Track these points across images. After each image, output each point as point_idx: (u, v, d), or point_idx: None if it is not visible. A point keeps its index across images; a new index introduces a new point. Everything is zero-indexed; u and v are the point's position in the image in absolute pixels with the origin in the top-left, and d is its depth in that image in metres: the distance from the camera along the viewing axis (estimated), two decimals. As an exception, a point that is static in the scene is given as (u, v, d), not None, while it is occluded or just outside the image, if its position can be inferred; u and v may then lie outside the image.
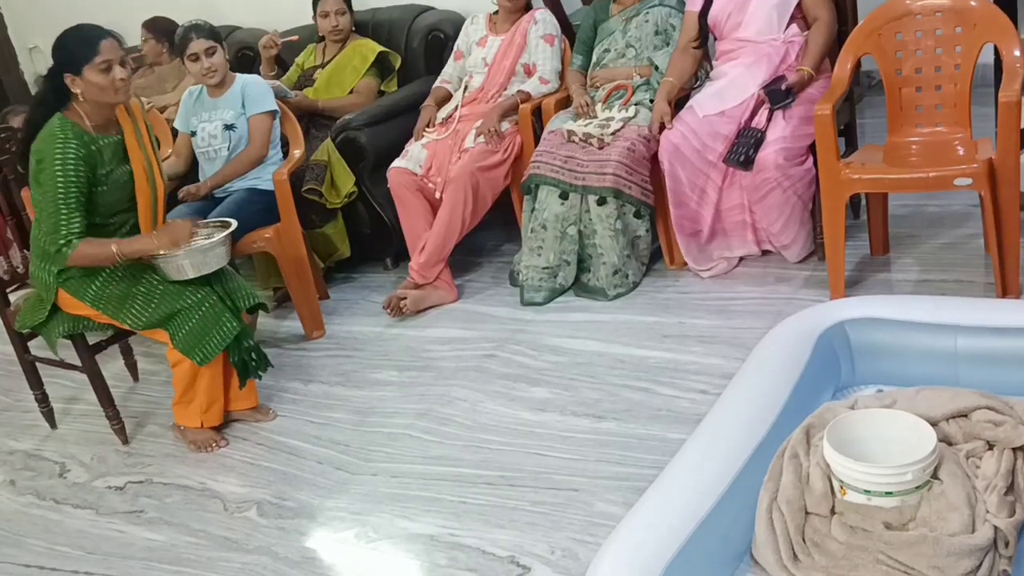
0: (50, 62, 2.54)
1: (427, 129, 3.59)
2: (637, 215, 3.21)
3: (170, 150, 3.56)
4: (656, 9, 3.36)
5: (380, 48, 3.87)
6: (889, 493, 1.57)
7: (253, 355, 2.69)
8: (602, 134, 3.19)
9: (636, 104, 3.30)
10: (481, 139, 3.41)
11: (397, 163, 3.50)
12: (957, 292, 2.77)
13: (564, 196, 3.21)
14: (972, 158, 2.62)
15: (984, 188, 2.50)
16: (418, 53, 4.03)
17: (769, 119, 2.98)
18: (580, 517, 2.11)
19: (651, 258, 3.36)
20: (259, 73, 3.85)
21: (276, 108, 3.36)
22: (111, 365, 3.25)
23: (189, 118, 3.39)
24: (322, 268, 3.70)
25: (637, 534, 1.58)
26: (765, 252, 3.24)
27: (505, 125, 3.46)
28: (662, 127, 3.11)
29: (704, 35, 3.21)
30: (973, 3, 2.71)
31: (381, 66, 3.91)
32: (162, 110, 3.99)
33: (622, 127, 3.22)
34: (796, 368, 2.01)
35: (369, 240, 3.79)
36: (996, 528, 1.53)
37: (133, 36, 4.43)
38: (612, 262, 3.18)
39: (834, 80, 2.86)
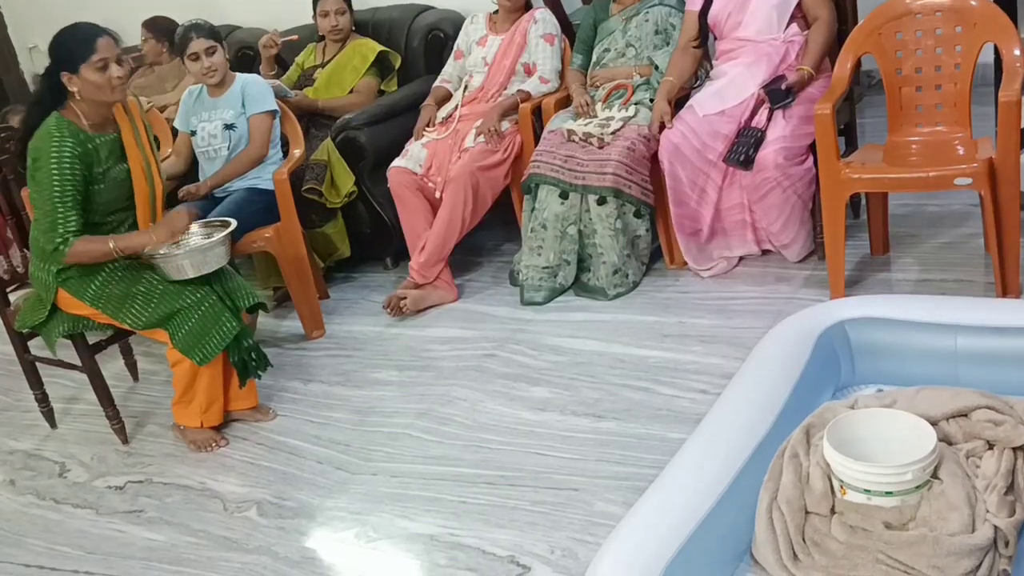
0: (49, 62, 2.54)
1: (427, 128, 3.59)
2: (637, 214, 3.21)
3: (170, 149, 3.56)
4: (656, 8, 3.36)
5: (380, 47, 3.87)
6: (889, 493, 1.57)
7: (253, 355, 2.69)
8: (602, 133, 3.19)
9: (636, 103, 3.30)
10: (481, 139, 3.41)
11: (397, 162, 3.50)
12: (957, 292, 2.77)
13: (564, 195, 3.21)
14: (972, 157, 2.62)
15: (984, 187, 2.50)
16: (418, 52, 4.03)
17: (769, 118, 2.98)
18: (580, 517, 2.11)
19: (651, 258, 3.36)
20: (259, 72, 3.85)
21: (276, 108, 3.36)
22: (111, 365, 3.25)
23: (189, 117, 3.39)
24: (322, 268, 3.70)
25: (637, 534, 1.58)
26: (765, 252, 3.24)
27: (505, 124, 3.46)
28: (662, 126, 3.11)
29: (704, 34, 3.21)
30: (973, 2, 2.71)
31: (381, 65, 3.91)
32: (162, 109, 3.99)
33: (622, 126, 3.22)
34: (796, 368, 2.01)
35: (369, 240, 3.79)
36: (996, 528, 1.52)
37: (133, 36, 4.42)
38: (612, 261, 3.18)
39: (834, 79, 2.86)
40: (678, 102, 3.24)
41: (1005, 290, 2.63)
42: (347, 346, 3.24)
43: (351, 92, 3.84)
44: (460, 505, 2.24)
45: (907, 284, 2.90)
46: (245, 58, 4.40)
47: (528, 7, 3.63)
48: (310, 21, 4.04)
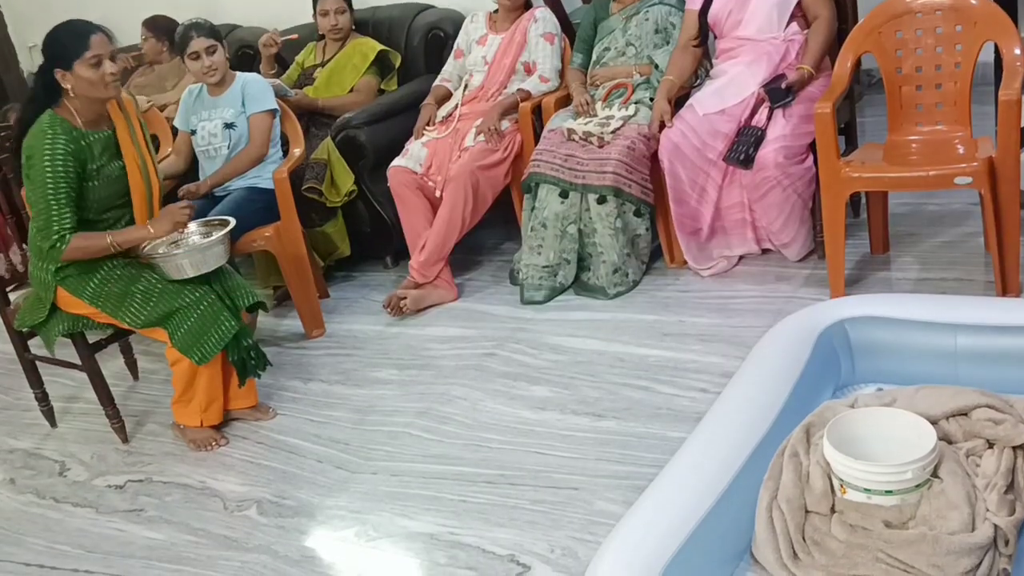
0: (43, 59, 2.54)
1: (427, 127, 3.59)
2: (637, 213, 3.21)
3: (170, 149, 3.56)
4: (656, 7, 3.35)
5: (380, 46, 3.87)
6: (889, 492, 1.57)
7: (252, 354, 2.69)
8: (602, 132, 3.19)
9: (636, 103, 3.30)
10: (481, 138, 3.41)
11: (397, 162, 3.50)
12: (957, 290, 2.77)
13: (564, 195, 3.21)
14: (972, 156, 2.62)
15: (984, 186, 2.50)
16: (418, 51, 4.03)
17: (769, 117, 2.98)
18: (580, 516, 2.11)
19: (651, 256, 3.36)
20: (259, 71, 3.85)
21: (276, 107, 3.36)
22: (111, 364, 3.25)
23: (189, 116, 3.39)
24: (322, 267, 3.70)
25: (637, 533, 1.58)
26: (765, 251, 3.24)
27: (505, 124, 3.46)
28: (662, 125, 3.11)
29: (704, 33, 3.21)
30: (973, 1, 2.71)
31: (381, 64, 3.91)
32: (162, 108, 3.99)
33: (622, 125, 3.22)
34: (796, 367, 2.01)
35: (369, 239, 3.79)
36: (996, 526, 1.52)
37: (133, 35, 4.42)
38: (612, 260, 3.18)
39: (834, 78, 2.86)
40: (678, 101, 3.24)
41: (1005, 289, 2.63)
42: (347, 345, 3.24)
43: (351, 91, 3.84)
44: (460, 504, 2.24)
45: (907, 283, 2.89)
46: (245, 57, 4.40)
47: (528, 6, 3.63)
48: (310, 20, 4.04)
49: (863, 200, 3.27)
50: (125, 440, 2.85)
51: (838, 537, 1.58)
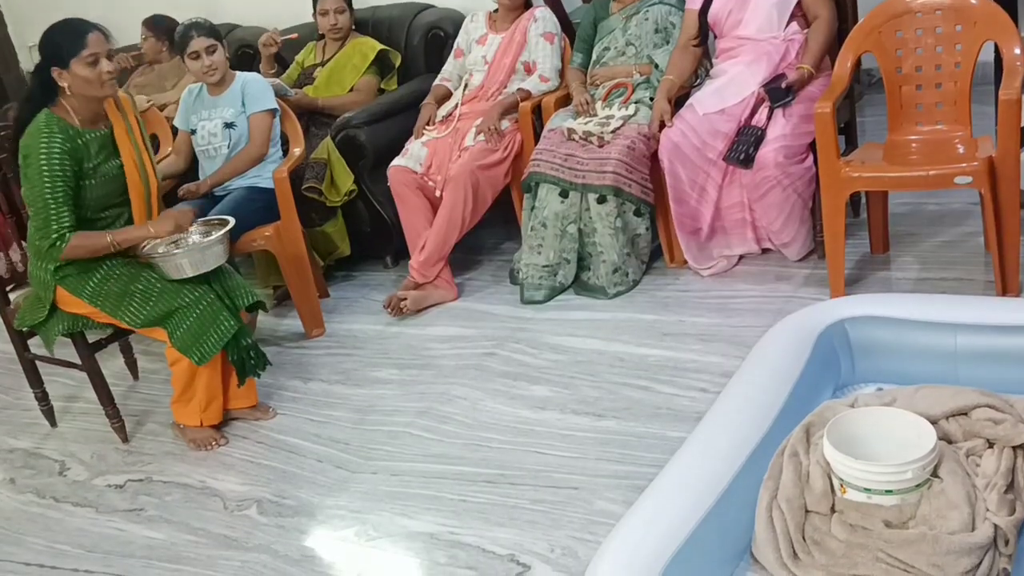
0: (39, 58, 2.54)
1: (427, 127, 3.59)
2: (637, 213, 3.21)
3: (170, 148, 3.56)
4: (656, 7, 3.35)
5: (380, 46, 3.87)
6: (889, 491, 1.57)
7: (251, 354, 2.69)
8: (602, 132, 3.19)
9: (636, 102, 3.30)
10: (481, 137, 3.41)
11: (397, 161, 3.50)
12: (957, 290, 2.77)
13: (564, 194, 3.21)
14: (972, 156, 2.62)
15: (984, 186, 2.50)
16: (418, 51, 4.03)
17: (769, 117, 2.98)
18: (580, 515, 2.11)
19: (651, 256, 3.36)
20: (259, 71, 3.85)
21: (276, 106, 3.36)
22: (111, 363, 3.25)
23: (189, 116, 3.39)
24: (322, 266, 3.70)
25: (637, 532, 1.58)
26: (765, 250, 3.24)
27: (505, 123, 3.46)
28: (662, 125, 3.11)
29: (704, 33, 3.21)
30: (973, 1, 2.71)
31: (381, 64, 3.91)
32: (162, 108, 3.99)
33: (622, 125, 3.21)
34: (796, 366, 2.01)
35: (369, 238, 3.79)
36: (996, 526, 1.52)
37: (133, 34, 4.42)
38: (612, 260, 3.18)
39: (834, 78, 2.86)
40: (678, 101, 3.24)
41: (1005, 288, 2.63)
42: (347, 345, 3.24)
43: (351, 91, 3.84)
44: (460, 503, 2.24)
45: (907, 283, 2.89)
46: (245, 56, 4.40)
47: (528, 5, 3.63)
48: (310, 19, 4.04)
49: (863, 200, 3.27)
50: (125, 440, 2.85)
51: (838, 537, 1.58)
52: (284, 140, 3.46)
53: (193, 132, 3.38)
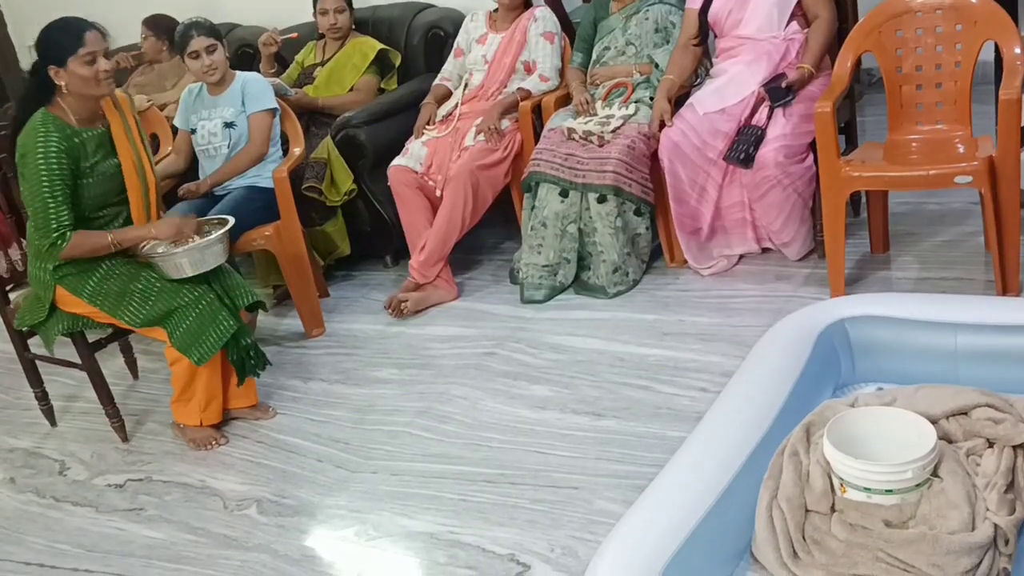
0: (36, 57, 2.54)
1: (427, 127, 3.59)
2: (637, 213, 3.21)
3: (170, 148, 3.56)
4: (656, 7, 3.35)
5: (380, 45, 3.87)
6: (889, 491, 1.57)
7: (251, 353, 2.69)
8: (602, 132, 3.19)
9: (636, 102, 3.30)
10: (481, 137, 3.41)
11: (397, 161, 3.50)
12: (957, 290, 2.77)
13: (564, 194, 3.21)
14: (972, 156, 2.62)
15: (984, 186, 2.50)
16: (418, 51, 4.03)
17: (769, 117, 2.98)
18: (580, 515, 2.11)
19: (651, 256, 3.36)
20: (259, 71, 3.85)
21: (276, 106, 3.35)
22: (111, 363, 3.25)
23: (189, 116, 3.39)
24: (322, 266, 3.70)
25: (637, 532, 1.58)
26: (765, 250, 3.24)
27: (505, 123, 3.46)
28: (662, 124, 3.11)
29: (704, 32, 3.21)
30: (973, 0, 2.71)
31: (381, 64, 3.91)
32: (162, 108, 3.99)
33: (622, 125, 3.21)
34: (796, 366, 2.01)
35: (369, 238, 3.79)
36: (996, 526, 1.52)
37: (133, 34, 4.42)
38: (612, 260, 3.18)
39: (834, 78, 2.86)
40: (678, 100, 3.24)
41: (1005, 288, 2.63)
42: (347, 344, 3.24)
43: (351, 90, 3.84)
44: (460, 503, 2.24)
45: (907, 282, 2.89)
46: (245, 56, 4.40)
47: (528, 5, 3.63)
48: (310, 19, 4.04)
49: (863, 199, 3.26)
50: (125, 439, 2.85)
51: (838, 536, 1.58)
52: (284, 140, 3.45)
53: (193, 132, 3.38)
